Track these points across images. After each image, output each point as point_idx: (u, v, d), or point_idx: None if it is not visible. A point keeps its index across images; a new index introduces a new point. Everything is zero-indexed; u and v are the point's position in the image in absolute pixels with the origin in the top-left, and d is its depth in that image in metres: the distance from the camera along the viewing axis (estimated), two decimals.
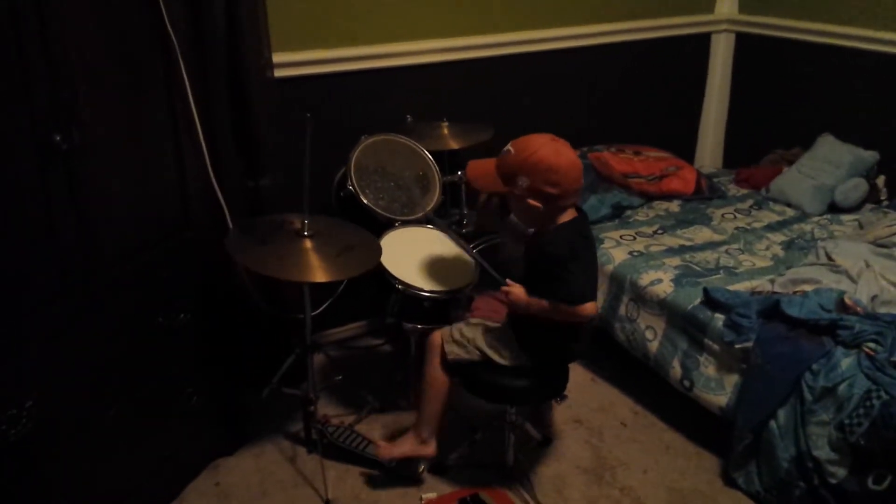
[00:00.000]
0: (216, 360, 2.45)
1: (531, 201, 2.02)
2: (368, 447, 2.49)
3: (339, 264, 2.22)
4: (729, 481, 2.43)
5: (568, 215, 2.09)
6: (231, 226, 2.38)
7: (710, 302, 2.51)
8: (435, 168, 2.82)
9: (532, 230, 2.21)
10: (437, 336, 2.29)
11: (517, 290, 2.12)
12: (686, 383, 2.55)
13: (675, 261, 2.83)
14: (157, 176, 2.14)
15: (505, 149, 2.09)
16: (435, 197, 2.76)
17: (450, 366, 2.26)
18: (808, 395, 2.19)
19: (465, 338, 2.23)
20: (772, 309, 2.39)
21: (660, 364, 2.65)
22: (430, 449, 2.36)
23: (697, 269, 2.78)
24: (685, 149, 3.99)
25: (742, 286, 2.63)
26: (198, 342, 2.36)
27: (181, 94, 2.13)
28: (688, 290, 2.62)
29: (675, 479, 2.46)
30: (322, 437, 2.50)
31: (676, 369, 2.58)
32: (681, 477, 2.47)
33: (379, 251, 2.34)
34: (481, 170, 2.15)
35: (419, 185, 2.78)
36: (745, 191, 3.54)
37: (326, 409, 2.75)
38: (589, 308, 2.06)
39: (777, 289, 2.52)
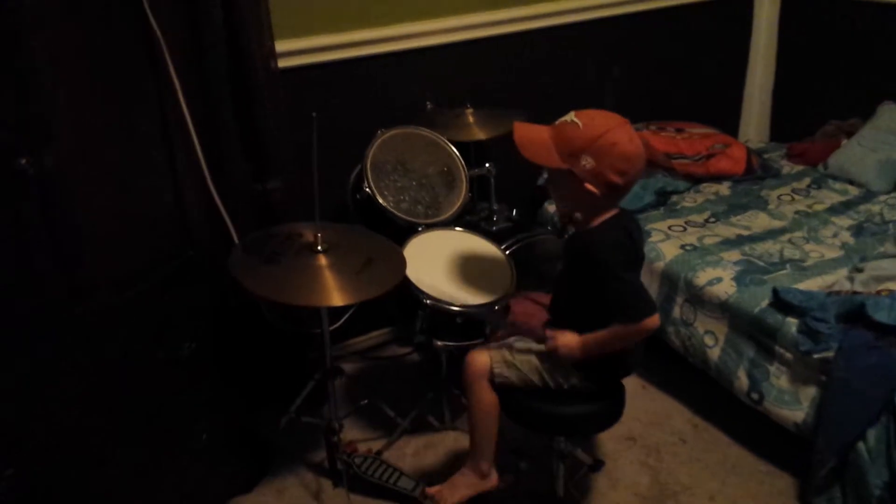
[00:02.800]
0: (228, 390, 2.20)
1: (590, 186, 1.72)
2: (400, 479, 2.24)
3: (359, 283, 1.94)
4: None
5: (613, 211, 1.82)
6: (236, 240, 2.11)
7: (781, 304, 2.22)
8: (460, 161, 2.52)
9: (571, 227, 1.91)
10: (484, 356, 1.99)
11: (566, 339, 1.85)
12: (754, 396, 2.26)
13: (734, 254, 2.53)
14: (149, 192, 1.87)
15: (567, 119, 1.76)
16: (462, 194, 2.46)
17: (495, 387, 1.99)
18: None
19: (517, 361, 1.95)
20: (855, 313, 2.09)
21: (722, 373, 2.36)
22: (493, 481, 2.10)
23: (760, 263, 2.48)
24: (728, 122, 3.65)
25: (814, 283, 2.32)
26: (206, 373, 2.11)
27: (172, 97, 1.85)
28: (753, 289, 2.32)
29: None
30: (348, 468, 2.25)
31: (742, 380, 2.30)
32: (752, 503, 2.19)
33: (403, 264, 2.06)
34: (533, 136, 1.80)
35: (444, 181, 2.49)
36: (799, 167, 3.21)
37: (352, 432, 2.50)
38: (654, 321, 1.77)
39: (858, 287, 2.22)
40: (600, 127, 1.71)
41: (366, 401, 2.46)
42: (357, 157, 2.39)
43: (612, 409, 2.00)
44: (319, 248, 1.98)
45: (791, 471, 2.28)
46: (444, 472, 2.30)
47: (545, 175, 1.93)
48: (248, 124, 2.25)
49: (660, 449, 2.42)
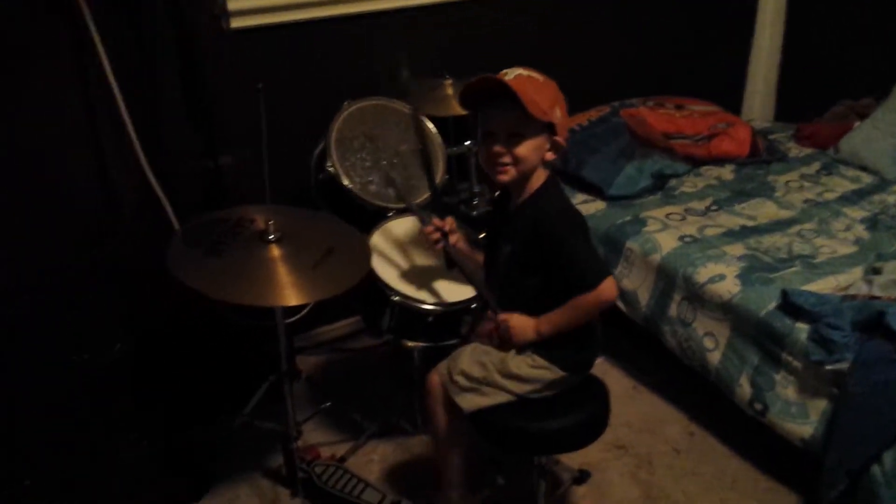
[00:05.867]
0: (166, 392, 1.96)
1: (560, 140, 1.62)
2: (365, 492, 2.01)
3: (315, 279, 1.69)
4: None
5: (547, 171, 1.67)
6: (176, 226, 1.86)
7: (790, 307, 1.99)
8: (437, 138, 2.27)
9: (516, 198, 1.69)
10: (435, 376, 1.78)
11: (520, 320, 1.67)
12: (758, 406, 2.04)
13: (738, 248, 2.29)
14: (65, 171, 1.60)
15: (523, 73, 1.58)
16: (438, 177, 2.21)
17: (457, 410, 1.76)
18: None
19: (472, 379, 1.71)
20: (873, 321, 1.87)
21: (723, 380, 2.14)
22: None
23: (767, 259, 2.24)
24: (730, 99, 3.39)
25: (826, 284, 2.10)
26: (140, 375, 1.86)
27: (91, 53, 1.57)
28: (759, 289, 2.09)
29: None
30: (308, 478, 2.02)
31: (745, 388, 2.08)
32: None
33: (367, 255, 1.81)
34: (532, 87, 1.56)
35: (418, 160, 2.23)
36: (808, 151, 2.97)
37: (314, 434, 2.27)
38: (611, 287, 1.61)
39: (876, 292, 1.99)
40: (548, 78, 1.62)
41: (329, 403, 2.22)
42: (321, 132, 2.13)
43: (598, 415, 1.76)
44: (271, 236, 1.73)
45: (795, 487, 2.07)
46: (414, 481, 2.09)
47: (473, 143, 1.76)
48: (196, 91, 1.99)
49: (652, 460, 2.20)
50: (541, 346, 1.69)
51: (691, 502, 2.06)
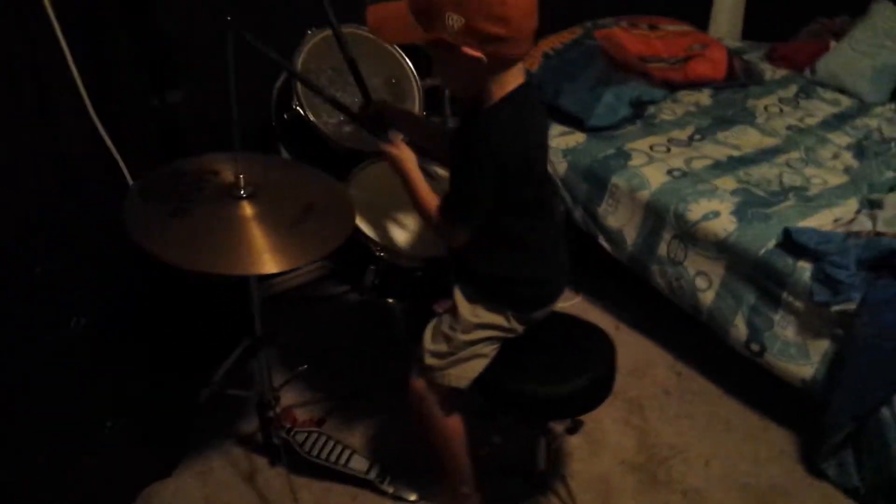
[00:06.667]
0: (133, 365, 1.76)
1: (468, 51, 1.31)
2: (352, 459, 1.89)
3: (296, 241, 1.50)
4: (813, 469, 1.93)
5: (514, 80, 1.40)
6: (129, 179, 1.61)
7: (792, 245, 1.91)
8: (410, 70, 2.05)
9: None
10: (417, 383, 1.64)
11: (404, 152, 1.55)
12: (754, 347, 1.98)
13: (730, 182, 2.19)
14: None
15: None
16: (414, 111, 2.01)
17: (456, 398, 1.64)
18: None
19: (442, 354, 1.58)
20: (882, 259, 1.80)
21: (716, 320, 2.07)
22: (476, 501, 1.80)
23: (760, 193, 2.15)
24: (697, 17, 3.23)
25: (823, 218, 2.02)
26: (103, 349, 1.65)
27: None
28: (756, 226, 2.00)
29: (747, 470, 1.94)
30: (288, 447, 1.88)
31: (740, 328, 2.01)
32: (753, 467, 1.95)
33: (351, 210, 1.62)
34: (388, 13, 1.39)
35: (391, 94, 2.02)
36: (783, 72, 2.87)
37: (288, 395, 2.10)
38: (455, 237, 1.51)
39: (882, 227, 1.92)
40: None
41: (305, 366, 2.05)
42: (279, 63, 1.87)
43: (606, 375, 1.66)
44: (242, 192, 1.52)
45: (790, 426, 2.05)
46: (400, 445, 1.97)
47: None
48: (138, 16, 1.72)
49: (642, 403, 2.14)
50: (471, 293, 1.57)
51: (687, 447, 2.01)
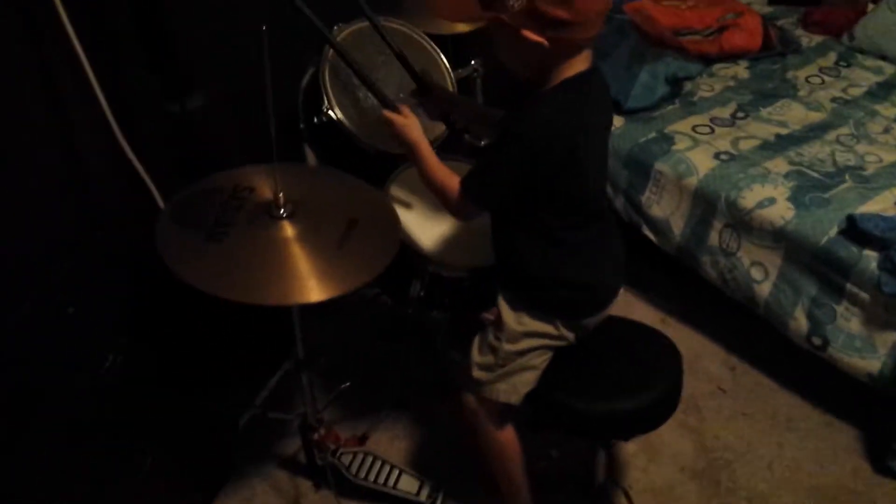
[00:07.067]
0: (172, 396, 1.66)
1: (529, 34, 1.23)
2: (401, 480, 1.80)
3: (343, 263, 1.38)
4: (881, 467, 1.85)
5: (575, 66, 1.30)
6: (160, 202, 1.49)
7: (857, 233, 1.80)
8: (442, 61, 1.92)
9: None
10: (468, 398, 1.56)
11: (412, 123, 1.46)
12: (816, 341, 1.89)
13: (781, 164, 2.07)
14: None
15: None
16: None
17: (509, 413, 1.55)
18: None
19: (489, 367, 1.49)
20: None
21: (773, 313, 1.97)
22: None
23: (814, 175, 2.03)
24: None
25: (885, 202, 1.91)
26: (139, 385, 1.54)
27: None
28: (815, 213, 1.89)
29: (812, 472, 1.86)
30: (334, 470, 1.78)
31: (800, 321, 1.91)
32: (818, 468, 1.87)
33: (396, 223, 1.50)
34: None
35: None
36: (819, 38, 2.73)
37: (326, 412, 2.00)
38: (462, 210, 1.43)
39: None
40: None
41: (347, 384, 1.94)
42: (300, 61, 1.75)
43: (672, 391, 1.57)
44: (282, 210, 1.40)
45: (853, 422, 1.96)
46: (447, 460, 1.88)
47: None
48: (149, 14, 1.57)
49: (697, 402, 2.05)
50: (515, 300, 1.47)
51: (747, 450, 1.92)
